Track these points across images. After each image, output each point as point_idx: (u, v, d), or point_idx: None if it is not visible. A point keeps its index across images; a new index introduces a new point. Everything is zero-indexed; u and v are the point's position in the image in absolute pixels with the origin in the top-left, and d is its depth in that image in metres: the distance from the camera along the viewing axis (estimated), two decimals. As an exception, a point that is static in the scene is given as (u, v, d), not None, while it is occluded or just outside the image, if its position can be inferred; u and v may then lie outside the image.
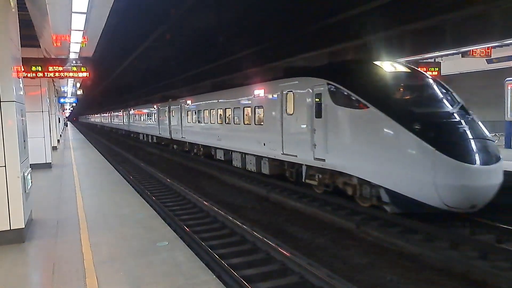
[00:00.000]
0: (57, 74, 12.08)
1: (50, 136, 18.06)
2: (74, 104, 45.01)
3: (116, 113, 55.48)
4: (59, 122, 34.65)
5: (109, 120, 64.58)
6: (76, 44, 11.43)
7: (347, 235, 9.89)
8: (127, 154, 28.66)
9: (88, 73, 12.19)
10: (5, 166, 6.68)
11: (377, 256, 8.56)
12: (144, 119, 37.56)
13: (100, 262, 5.66)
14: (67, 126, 68.69)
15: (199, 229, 10.05)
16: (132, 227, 7.53)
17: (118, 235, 7.04)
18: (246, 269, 7.50)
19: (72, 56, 12.61)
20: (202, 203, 12.43)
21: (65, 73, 12.18)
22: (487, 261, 7.76)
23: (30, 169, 7.90)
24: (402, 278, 7.54)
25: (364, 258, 8.49)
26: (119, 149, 33.55)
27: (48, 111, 17.74)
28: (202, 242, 8.71)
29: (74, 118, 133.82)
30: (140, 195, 11.23)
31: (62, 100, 32.32)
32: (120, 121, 52.11)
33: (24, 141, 7.61)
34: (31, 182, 7.73)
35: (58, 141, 28.40)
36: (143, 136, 39.87)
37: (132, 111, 42.99)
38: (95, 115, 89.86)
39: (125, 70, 30.30)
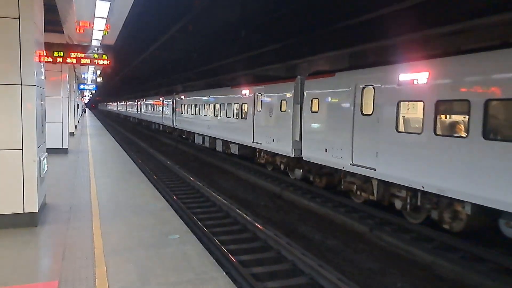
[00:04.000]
0: (78, 61, 12.12)
1: (68, 122, 18.25)
2: (94, 91, 45.43)
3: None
4: (78, 108, 35.05)
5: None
6: (98, 31, 11.46)
7: (360, 239, 9.76)
8: (143, 144, 28.88)
9: (109, 61, 12.22)
10: (22, 149, 6.71)
11: (389, 262, 8.42)
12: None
13: (110, 251, 5.65)
14: (85, 112, 69.60)
15: (210, 223, 10.02)
16: (144, 218, 7.51)
17: (129, 225, 7.03)
18: (255, 267, 7.45)
19: (94, 43, 12.68)
20: (215, 197, 12.42)
21: (86, 60, 12.21)
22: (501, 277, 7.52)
23: (46, 153, 7.95)
24: (412, 286, 7.39)
25: (376, 263, 8.36)
26: (135, 137, 33.85)
27: (68, 97, 17.90)
28: (213, 236, 8.69)
29: (92, 105, 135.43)
30: (154, 186, 11.23)
31: (82, 86, 32.65)
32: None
33: (42, 125, 7.66)
34: (47, 166, 7.77)
35: (76, 127, 28.73)
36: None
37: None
38: (113, 103, 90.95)
39: (144, 60, 30.41)
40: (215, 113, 21.85)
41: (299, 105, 13.87)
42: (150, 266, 5.13)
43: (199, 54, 26.77)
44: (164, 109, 35.04)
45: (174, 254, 5.59)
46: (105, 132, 32.16)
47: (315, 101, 12.90)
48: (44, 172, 7.43)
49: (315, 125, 13.00)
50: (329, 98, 12.22)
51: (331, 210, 11.51)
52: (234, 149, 19.55)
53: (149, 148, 26.04)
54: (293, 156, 14.10)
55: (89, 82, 32.38)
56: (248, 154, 18.84)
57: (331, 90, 12.18)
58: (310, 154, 13.07)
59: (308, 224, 10.81)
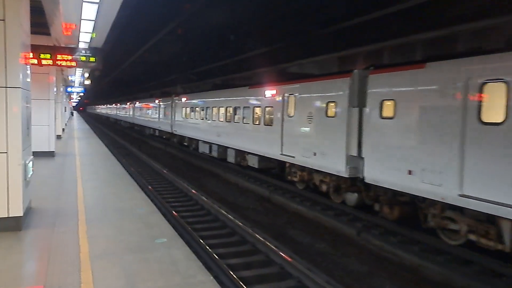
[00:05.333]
0: (65, 63, 12.00)
1: (55, 125, 18.04)
2: (82, 94, 45.01)
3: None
4: (65, 111, 34.70)
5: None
6: (86, 33, 11.38)
7: (348, 242, 9.81)
8: (131, 147, 28.67)
9: (96, 63, 12.12)
10: (6, 152, 6.62)
11: (377, 264, 8.48)
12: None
13: (96, 255, 5.58)
14: (73, 115, 68.89)
15: (199, 227, 9.97)
16: (131, 222, 7.45)
17: (116, 229, 6.96)
18: (244, 270, 7.43)
19: (82, 45, 12.58)
20: (203, 200, 12.37)
21: (74, 63, 12.10)
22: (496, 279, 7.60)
23: (32, 157, 7.84)
24: (401, 289, 7.44)
25: (364, 266, 8.41)
26: (124, 141, 33.58)
27: (55, 100, 17.71)
28: (201, 240, 8.65)
29: (80, 108, 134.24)
30: (142, 190, 11.15)
31: (69, 89, 32.34)
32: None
33: (27, 128, 7.56)
34: (32, 170, 7.67)
35: (63, 130, 28.40)
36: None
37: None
38: (101, 106, 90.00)
39: (133, 63, 30.28)
40: (227, 118, 18.48)
41: (358, 109, 10.54)
42: (137, 271, 5.08)
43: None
44: (161, 113, 31.52)
45: (162, 258, 5.54)
46: (93, 135, 31.85)
47: (389, 104, 9.62)
48: (29, 176, 7.33)
49: (389, 137, 9.62)
50: (416, 99, 8.97)
51: (319, 213, 11.54)
52: (252, 162, 16.44)
53: (138, 151, 25.83)
54: (347, 176, 10.83)
55: (76, 85, 32.09)
56: (273, 168, 16.01)
57: (420, 88, 8.95)
58: (378, 175, 9.83)
59: (297, 228, 10.84)
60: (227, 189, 15.67)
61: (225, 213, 10.83)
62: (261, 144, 15.39)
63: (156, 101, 32.93)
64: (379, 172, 9.84)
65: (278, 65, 19.86)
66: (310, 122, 12.35)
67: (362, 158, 10.39)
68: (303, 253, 8.86)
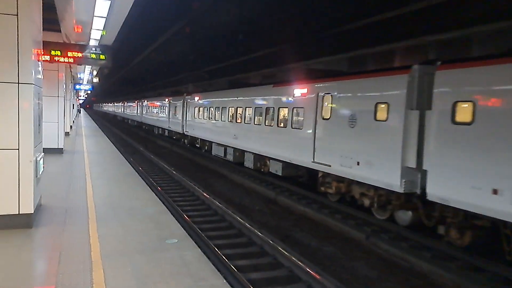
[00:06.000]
0: (75, 60, 11.99)
1: (64, 122, 18.08)
2: (89, 92, 45.16)
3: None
4: (73, 108, 34.82)
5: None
6: (97, 31, 11.37)
7: (356, 246, 9.71)
8: (138, 145, 28.70)
9: (106, 61, 12.11)
10: (18, 149, 6.60)
11: (386, 270, 8.38)
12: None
13: (107, 255, 5.53)
14: (80, 112, 69.10)
15: (206, 227, 9.92)
16: (141, 222, 7.41)
17: (126, 229, 6.92)
18: (252, 272, 7.38)
19: (92, 43, 12.58)
20: (210, 201, 12.33)
21: (84, 60, 12.09)
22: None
23: (43, 153, 7.83)
24: (411, 295, 7.36)
25: (373, 270, 8.32)
26: (131, 139, 33.64)
27: (64, 97, 17.75)
28: (209, 241, 8.60)
29: (87, 105, 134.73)
30: (151, 189, 11.11)
31: (77, 86, 32.44)
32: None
33: (39, 125, 7.54)
34: (43, 167, 7.65)
35: (71, 127, 28.49)
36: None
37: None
38: (108, 104, 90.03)
39: (142, 61, 30.27)
40: (246, 120, 16.95)
41: (418, 112, 8.86)
42: (149, 272, 5.03)
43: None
44: (171, 112, 29.79)
45: (173, 259, 5.48)
46: (100, 133, 31.93)
47: (465, 106, 7.91)
48: (40, 173, 7.30)
49: (465, 146, 7.89)
50: (509, 100, 7.22)
51: (327, 216, 11.44)
52: (275, 168, 14.84)
53: (144, 150, 25.85)
54: (401, 191, 9.15)
55: (85, 82, 32.20)
56: (300, 177, 14.60)
57: None
58: (447, 193, 8.17)
59: (304, 230, 10.76)
60: (234, 189, 15.61)
61: (232, 213, 10.79)
62: (286, 149, 13.81)
63: (166, 100, 31.39)
64: (449, 189, 8.12)
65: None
66: (352, 126, 10.60)
67: (423, 171, 8.70)
68: (310, 256, 8.79)
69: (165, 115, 31.61)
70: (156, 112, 35.53)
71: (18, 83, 6.63)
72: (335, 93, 11.40)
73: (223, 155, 19.59)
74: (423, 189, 8.77)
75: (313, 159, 12.19)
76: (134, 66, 32.89)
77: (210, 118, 21.45)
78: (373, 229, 10.27)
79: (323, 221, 11.36)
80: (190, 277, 4.91)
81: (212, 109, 21.09)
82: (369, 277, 8.02)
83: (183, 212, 10.89)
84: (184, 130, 26.38)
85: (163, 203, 9.59)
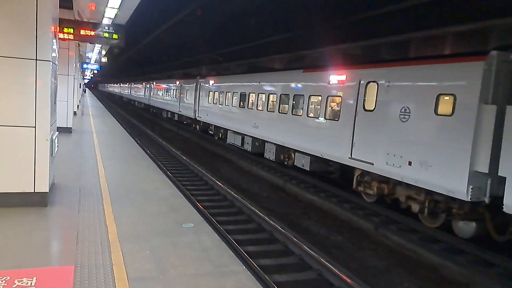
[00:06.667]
0: (88, 38, 11.87)
1: (73, 101, 18.04)
2: (95, 71, 44.86)
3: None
4: (80, 87, 34.70)
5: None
6: (111, 9, 11.18)
7: (364, 236, 9.72)
8: (144, 127, 28.69)
9: (119, 40, 11.96)
10: (34, 127, 6.55)
11: (395, 261, 8.40)
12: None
13: (124, 237, 5.52)
14: (85, 92, 68.97)
15: (215, 212, 9.94)
16: (155, 204, 7.39)
17: (141, 211, 6.90)
18: (262, 259, 7.40)
19: (106, 21, 12.39)
20: (219, 186, 12.33)
21: (96, 39, 11.95)
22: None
23: (58, 132, 7.80)
24: (419, 287, 7.36)
25: (381, 261, 8.34)
26: (136, 121, 33.61)
27: (74, 75, 17.67)
28: (219, 225, 8.63)
29: (92, 85, 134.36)
30: (163, 172, 11.11)
31: (85, 65, 32.23)
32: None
33: (54, 103, 7.49)
34: (57, 146, 7.62)
35: (78, 106, 28.45)
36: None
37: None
38: (114, 84, 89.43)
39: (151, 43, 29.98)
40: (269, 107, 15.55)
41: (495, 107, 7.55)
42: (167, 256, 5.01)
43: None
44: (182, 96, 28.01)
45: (191, 244, 5.47)
46: (107, 113, 31.94)
47: None
48: (55, 152, 7.28)
49: None
50: None
51: (335, 205, 11.43)
52: (302, 161, 13.58)
53: (150, 133, 25.85)
54: (467, 198, 7.83)
55: (92, 62, 31.95)
56: (331, 173, 13.23)
57: None
58: None
59: (312, 218, 10.76)
60: (241, 175, 15.60)
61: (241, 199, 10.81)
62: (317, 142, 12.50)
63: (177, 83, 29.62)
64: None
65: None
66: (404, 119, 9.23)
67: (499, 178, 7.45)
68: (318, 244, 8.81)
69: (175, 98, 30.00)
70: (166, 95, 33.88)
71: (36, 59, 6.55)
72: (383, 81, 9.91)
73: (240, 144, 18.31)
74: (495, 198, 7.65)
75: (350, 155, 10.82)
76: (144, 47, 32.52)
77: (226, 104, 19.79)
78: (381, 220, 10.26)
79: (332, 210, 11.36)
80: (210, 262, 4.90)
81: (230, 94, 19.46)
82: (378, 268, 8.04)
83: (192, 196, 10.91)
84: (196, 115, 24.73)
85: (176, 186, 9.59)
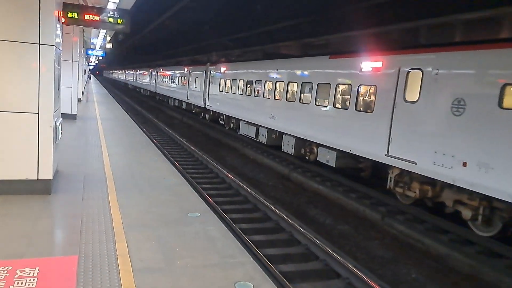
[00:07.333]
0: (92, 23, 11.66)
1: (78, 88, 17.93)
2: (100, 58, 44.63)
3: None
4: (84, 74, 34.57)
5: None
6: (117, -8, 11.00)
7: (371, 226, 9.63)
8: (149, 115, 28.60)
9: (124, 26, 11.75)
10: (38, 113, 6.44)
11: (402, 251, 8.31)
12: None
13: (129, 226, 5.42)
14: (90, 79, 68.79)
15: (220, 200, 9.86)
16: (161, 193, 7.27)
17: (146, 200, 6.79)
18: (268, 248, 7.32)
19: (110, 6, 12.19)
20: (224, 174, 12.25)
21: (101, 24, 11.75)
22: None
23: (61, 119, 7.69)
24: (427, 278, 7.27)
25: (388, 251, 8.26)
26: (141, 108, 33.51)
27: (78, 61, 17.53)
28: (225, 214, 8.56)
29: (97, 71, 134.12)
30: (168, 160, 11.01)
31: (89, 52, 32.02)
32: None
33: (58, 89, 7.37)
34: (61, 133, 7.52)
35: (82, 93, 28.36)
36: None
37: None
38: (119, 71, 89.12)
39: (156, 29, 29.67)
40: (289, 97, 14.49)
41: None
42: (173, 246, 4.91)
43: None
44: (191, 84, 26.75)
45: (197, 233, 5.37)
46: (112, 100, 31.83)
47: None
48: (59, 138, 7.18)
49: None
50: None
51: (341, 195, 11.32)
52: (326, 157, 12.37)
53: (155, 120, 25.76)
54: None
55: (97, 48, 31.72)
56: (361, 170, 12.09)
57: None
58: None
59: (318, 207, 10.67)
60: (246, 164, 15.50)
61: (247, 188, 10.72)
62: (345, 136, 11.40)
63: (186, 70, 28.38)
64: None
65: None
66: (458, 113, 8.09)
67: None
68: (325, 234, 8.74)
69: (183, 86, 28.82)
70: (173, 82, 32.60)
71: (39, 44, 6.40)
72: (430, 69, 8.76)
73: (254, 136, 17.16)
74: None
75: (387, 152, 9.72)
76: (149, 33, 32.20)
77: (239, 93, 18.60)
78: (388, 210, 10.15)
79: (338, 200, 11.26)
80: (217, 253, 4.79)
81: (243, 82, 18.28)
82: (385, 258, 7.96)
83: (197, 184, 10.84)
84: (206, 104, 23.53)
85: (181, 174, 9.50)
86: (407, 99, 9.35)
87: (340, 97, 11.94)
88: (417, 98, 9.05)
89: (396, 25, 13.79)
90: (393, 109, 9.65)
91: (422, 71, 9.00)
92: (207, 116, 24.75)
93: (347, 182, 12.20)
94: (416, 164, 8.94)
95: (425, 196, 9.31)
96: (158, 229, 5.42)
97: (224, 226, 5.75)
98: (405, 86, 9.42)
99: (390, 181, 10.07)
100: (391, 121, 9.68)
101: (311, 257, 7.25)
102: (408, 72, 9.38)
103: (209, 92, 22.90)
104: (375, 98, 10.40)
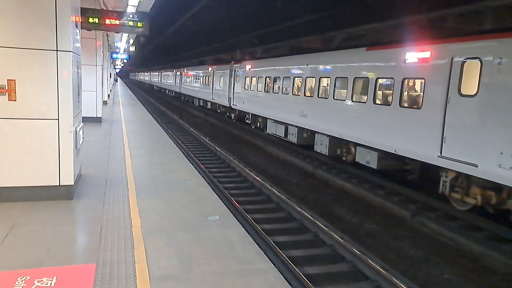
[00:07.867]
0: (113, 28, 11.77)
1: (102, 91, 18.18)
2: (125, 61, 45.39)
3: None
4: (110, 77, 35.17)
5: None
6: (136, -4, 11.06)
7: (400, 224, 9.31)
8: (173, 115, 28.84)
9: (144, 29, 11.82)
10: (58, 119, 6.46)
11: (433, 250, 7.98)
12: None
13: (148, 231, 5.34)
14: (117, 81, 70.11)
15: (243, 200, 9.73)
16: (181, 195, 7.20)
17: (166, 203, 6.73)
18: (292, 249, 7.15)
19: (130, 9, 12.27)
20: (246, 173, 12.12)
21: (121, 27, 11.85)
22: None
23: (82, 124, 7.72)
24: (461, 278, 6.93)
25: (419, 251, 7.93)
26: (165, 108, 33.82)
27: (102, 65, 17.78)
28: (247, 214, 8.43)
29: (123, 74, 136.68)
30: (188, 160, 10.97)
31: (114, 55, 32.61)
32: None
33: (78, 94, 7.39)
34: (83, 137, 7.55)
35: (108, 96, 28.84)
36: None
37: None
38: (144, 73, 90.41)
39: (177, 30, 29.81)
40: (321, 93, 13.67)
41: None
42: (192, 252, 4.79)
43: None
44: (215, 83, 26.57)
45: (216, 238, 5.24)
46: (137, 102, 32.24)
47: None
48: (80, 143, 7.20)
49: None
50: None
51: (368, 191, 11.01)
52: (365, 158, 11.46)
53: (179, 119, 25.96)
54: None
55: (121, 51, 32.27)
56: (409, 173, 10.94)
57: None
58: None
59: (344, 206, 10.40)
60: (269, 161, 15.33)
61: (269, 187, 10.56)
62: (389, 135, 10.43)
63: (210, 69, 28.14)
64: None
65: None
66: None
67: None
68: (352, 233, 8.47)
69: (208, 85, 28.55)
70: (197, 82, 32.34)
71: (57, 50, 6.42)
72: (491, 58, 7.79)
73: (282, 135, 16.35)
74: None
75: (440, 153, 8.78)
76: (172, 34, 32.38)
77: (266, 90, 17.97)
78: (418, 207, 9.78)
79: (364, 197, 10.97)
80: (236, 259, 4.64)
81: (269, 80, 17.65)
82: (415, 258, 7.64)
83: (219, 183, 10.76)
84: (232, 103, 23.03)
85: (202, 174, 9.43)
86: (463, 93, 8.38)
87: (381, 93, 11.08)
88: (476, 91, 8.06)
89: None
90: (446, 105, 8.68)
91: (480, 61, 8.03)
92: (232, 115, 24.34)
93: (372, 179, 11.87)
94: (477, 166, 7.95)
95: (488, 203, 8.37)
96: (176, 234, 5.32)
97: (243, 230, 5.60)
98: (460, 78, 8.45)
99: (444, 185, 9.06)
100: (444, 118, 8.71)
101: (337, 258, 7.03)
102: (463, 62, 8.42)
103: (234, 91, 22.41)
104: (423, 92, 9.46)
